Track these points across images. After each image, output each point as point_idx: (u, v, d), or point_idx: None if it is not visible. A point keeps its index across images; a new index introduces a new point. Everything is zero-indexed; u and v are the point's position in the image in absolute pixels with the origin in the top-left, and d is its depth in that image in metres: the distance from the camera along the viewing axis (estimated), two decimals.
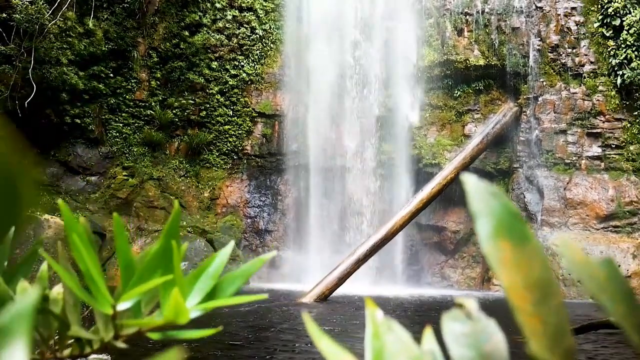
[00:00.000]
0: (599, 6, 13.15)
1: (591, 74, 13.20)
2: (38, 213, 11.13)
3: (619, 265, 11.58)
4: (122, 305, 0.64)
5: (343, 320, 7.76)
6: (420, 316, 8.63)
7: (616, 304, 0.36)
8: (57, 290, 0.70)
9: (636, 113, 12.84)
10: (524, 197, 13.24)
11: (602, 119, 13.09)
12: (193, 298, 0.68)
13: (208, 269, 0.71)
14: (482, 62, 13.64)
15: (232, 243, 0.81)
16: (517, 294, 0.36)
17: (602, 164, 13.04)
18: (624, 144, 12.96)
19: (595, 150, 13.08)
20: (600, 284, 0.37)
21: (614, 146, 13.01)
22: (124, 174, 13.81)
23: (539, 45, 13.49)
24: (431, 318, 8.25)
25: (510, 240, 0.37)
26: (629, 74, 12.54)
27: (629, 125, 12.94)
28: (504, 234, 0.37)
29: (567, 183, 12.99)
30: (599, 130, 13.08)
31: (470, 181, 0.39)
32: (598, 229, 12.63)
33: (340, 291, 10.60)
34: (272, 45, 14.89)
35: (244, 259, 13.52)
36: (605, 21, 12.98)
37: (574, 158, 13.14)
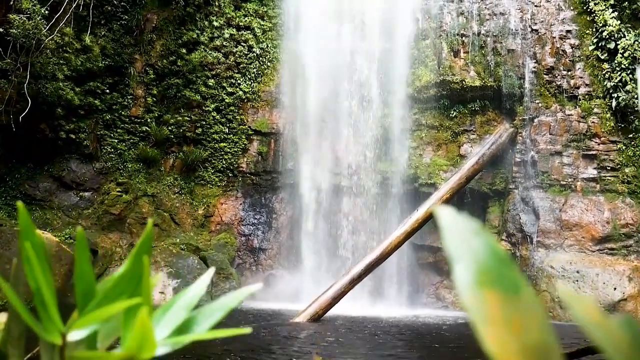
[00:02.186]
0: (594, 29, 13.25)
1: (586, 96, 13.24)
2: None
3: (615, 289, 11.52)
4: (74, 335, 0.55)
5: (336, 342, 7.64)
6: (417, 338, 8.51)
7: None
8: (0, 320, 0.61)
9: (631, 135, 12.86)
10: (520, 218, 13.18)
11: (598, 141, 13.11)
12: (162, 330, 0.59)
13: (180, 300, 0.62)
14: (478, 83, 13.68)
15: (211, 271, 0.71)
16: None
17: (598, 185, 13.02)
18: (619, 166, 12.96)
19: (591, 172, 13.07)
20: (619, 348, 0.29)
21: (609, 168, 13.00)
22: (117, 190, 13.70)
23: (534, 67, 13.56)
24: (426, 341, 8.14)
25: (498, 291, 0.29)
26: (624, 97, 12.59)
27: (624, 147, 12.95)
28: (490, 282, 0.29)
29: (563, 204, 12.95)
30: (594, 152, 13.09)
31: (445, 216, 0.32)
32: (594, 251, 12.56)
33: (334, 311, 10.47)
34: (269, 63, 14.93)
35: (237, 277, 13.38)
36: (600, 44, 13.06)
37: (570, 180, 13.12)
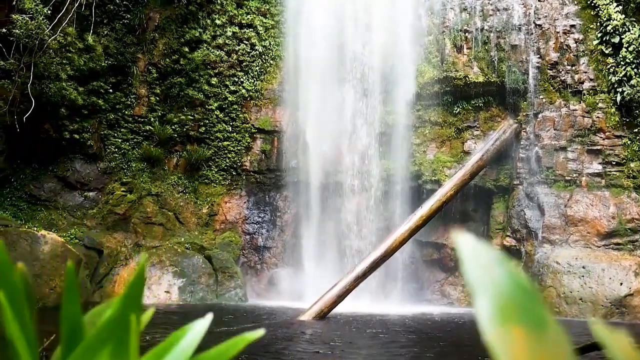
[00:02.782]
0: (598, 24, 13.17)
1: (591, 91, 13.17)
2: (35, 228, 11.04)
3: (621, 284, 11.48)
4: None
5: (342, 340, 7.63)
6: (424, 335, 8.50)
7: None
8: None
9: (636, 130, 12.79)
10: (524, 214, 13.14)
11: (602, 135, 13.04)
12: None
13: (175, 347, 0.54)
14: (481, 79, 13.63)
15: (209, 316, 0.62)
16: None
17: (603, 180, 12.96)
18: (624, 161, 12.89)
19: (596, 167, 13.01)
20: None
21: (614, 163, 12.94)
22: (122, 189, 13.71)
23: (538, 63, 13.49)
24: (433, 339, 8.12)
25: (523, 326, 0.27)
26: (629, 91, 12.52)
27: (629, 142, 12.88)
28: (514, 317, 0.27)
29: (568, 200, 12.90)
30: (599, 147, 13.02)
31: (465, 244, 0.29)
32: (599, 247, 12.52)
33: (339, 309, 10.46)
34: (271, 61, 14.90)
35: (242, 275, 13.38)
36: (604, 39, 12.98)
37: (575, 175, 13.06)
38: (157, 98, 14.48)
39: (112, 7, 13.70)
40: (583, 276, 11.85)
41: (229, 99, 14.64)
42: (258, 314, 10.54)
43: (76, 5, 12.27)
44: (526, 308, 0.26)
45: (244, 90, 14.68)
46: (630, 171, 12.81)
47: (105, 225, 13.32)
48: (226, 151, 14.66)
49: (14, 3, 11.71)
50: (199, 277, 12.55)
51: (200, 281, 12.50)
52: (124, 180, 13.85)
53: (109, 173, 13.91)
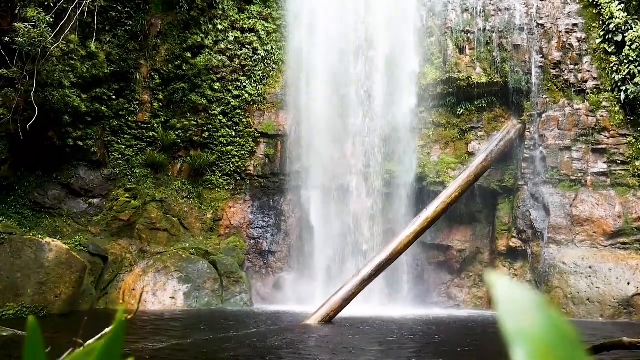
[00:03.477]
0: (601, 22, 13.13)
1: (594, 90, 13.12)
2: (40, 236, 11.04)
3: (628, 283, 11.40)
4: None
5: (347, 345, 7.59)
6: (431, 337, 8.45)
7: None
8: None
9: None
10: (530, 214, 13.08)
11: (607, 134, 12.98)
12: None
13: None
14: (484, 79, 13.59)
15: None
16: None
17: (608, 180, 12.90)
18: (629, 159, 12.83)
19: (601, 166, 12.95)
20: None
21: (619, 162, 12.88)
22: (126, 196, 13.72)
23: (541, 62, 13.45)
24: (440, 343, 8.07)
25: None
26: (633, 90, 12.46)
27: (634, 140, 12.82)
28: None
29: (573, 200, 12.84)
30: (603, 146, 12.97)
31: (501, 286, 0.26)
32: (606, 246, 12.45)
33: (345, 312, 10.42)
34: (274, 65, 14.90)
35: (247, 280, 13.36)
36: (607, 37, 12.94)
37: (580, 174, 13.01)
38: (160, 104, 14.49)
39: (114, 14, 13.73)
40: (590, 276, 11.78)
41: (232, 103, 14.64)
42: (264, 319, 10.50)
43: (78, 13, 12.30)
44: (568, 358, 0.23)
45: (246, 95, 14.68)
46: (636, 170, 12.74)
47: (110, 232, 13.33)
48: (230, 156, 14.65)
49: (17, 12, 11.74)
50: (204, 283, 12.53)
51: (206, 286, 12.48)
52: (128, 186, 13.85)
53: (113, 179, 13.92)
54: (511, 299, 0.25)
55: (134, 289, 12.25)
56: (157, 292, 12.17)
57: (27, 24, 11.25)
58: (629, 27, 12.67)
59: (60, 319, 9.89)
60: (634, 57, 12.51)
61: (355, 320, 10.25)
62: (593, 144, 13.02)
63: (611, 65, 12.91)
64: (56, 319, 9.73)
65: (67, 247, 10.99)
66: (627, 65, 12.60)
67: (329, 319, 10.04)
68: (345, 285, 10.62)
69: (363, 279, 10.75)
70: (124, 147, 14.15)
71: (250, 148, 14.70)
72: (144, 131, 14.36)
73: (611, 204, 12.64)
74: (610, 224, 12.46)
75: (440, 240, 14.03)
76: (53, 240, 10.83)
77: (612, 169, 12.88)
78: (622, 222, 12.44)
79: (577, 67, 13.26)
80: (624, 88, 12.66)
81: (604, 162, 12.95)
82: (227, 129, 14.66)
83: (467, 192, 12.88)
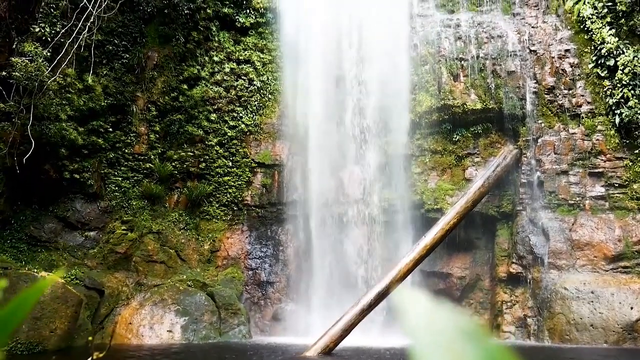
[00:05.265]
0: (592, 47, 13.28)
1: (589, 114, 13.19)
2: (35, 270, 10.91)
3: (632, 308, 11.25)
4: None
5: None
6: None
7: None
8: None
9: (637, 151, 12.75)
10: (529, 240, 12.99)
11: (603, 158, 13.00)
12: None
13: None
14: (479, 106, 13.67)
15: None
16: None
17: (607, 203, 12.86)
18: (627, 182, 12.81)
19: (599, 190, 12.93)
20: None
21: (617, 185, 12.86)
22: (122, 228, 13.62)
23: (535, 88, 13.55)
24: None
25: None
26: (627, 113, 12.53)
27: (630, 163, 12.83)
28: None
29: (572, 224, 12.78)
30: (600, 170, 12.97)
31: (405, 296, 0.22)
32: (607, 270, 12.33)
33: (345, 343, 10.24)
34: (270, 95, 14.99)
35: (245, 312, 13.17)
36: (599, 62, 13.07)
37: (578, 199, 12.97)
38: (157, 135, 14.52)
39: (111, 47, 13.86)
40: (592, 301, 11.64)
41: (228, 134, 14.68)
42: (263, 351, 10.31)
43: (75, 47, 12.41)
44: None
45: (243, 125, 14.73)
46: (634, 193, 12.72)
47: (107, 265, 13.19)
48: (227, 186, 14.62)
49: (14, 46, 11.85)
50: (202, 315, 12.34)
51: (203, 319, 12.29)
52: (125, 218, 13.77)
53: (109, 212, 13.84)
54: (412, 303, 0.22)
55: (130, 323, 12.05)
56: (154, 325, 11.97)
57: (24, 58, 11.34)
58: (621, 52, 12.81)
59: (55, 354, 9.70)
60: (627, 81, 12.62)
61: (355, 350, 10.07)
62: (590, 167, 13.03)
63: (605, 89, 13.01)
64: (51, 355, 9.54)
65: (62, 281, 10.86)
66: (620, 89, 12.70)
67: (328, 350, 9.87)
68: (345, 315, 10.47)
69: (362, 308, 10.60)
70: (120, 179, 14.12)
71: (247, 178, 14.68)
72: (141, 163, 14.35)
73: (611, 227, 12.57)
74: (611, 247, 12.37)
75: (439, 268, 13.90)
76: (48, 275, 10.69)
77: (610, 193, 12.86)
78: (623, 246, 12.36)
79: (571, 91, 13.36)
80: (618, 112, 12.73)
81: (602, 186, 12.93)
82: (224, 160, 14.66)
83: (465, 218, 12.81)
